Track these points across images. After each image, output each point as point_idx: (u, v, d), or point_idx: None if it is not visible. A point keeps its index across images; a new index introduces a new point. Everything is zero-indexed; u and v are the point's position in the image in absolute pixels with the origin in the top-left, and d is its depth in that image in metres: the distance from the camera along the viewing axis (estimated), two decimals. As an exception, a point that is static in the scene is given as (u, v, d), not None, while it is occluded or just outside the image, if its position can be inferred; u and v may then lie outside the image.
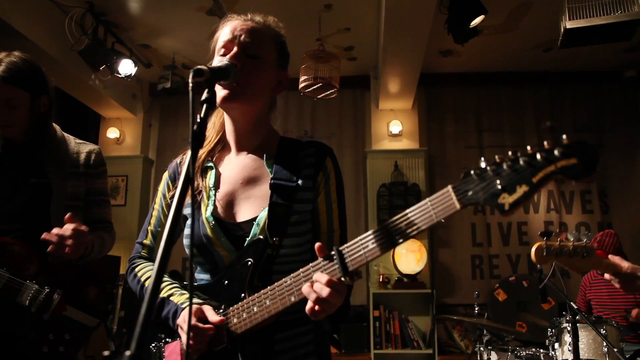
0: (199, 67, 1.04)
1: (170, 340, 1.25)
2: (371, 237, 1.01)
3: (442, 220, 0.94)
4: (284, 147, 1.36)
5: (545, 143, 0.82)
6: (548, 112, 5.68)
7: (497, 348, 3.30)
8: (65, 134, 2.00)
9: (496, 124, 5.69)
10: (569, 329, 2.63)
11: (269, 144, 1.37)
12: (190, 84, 0.97)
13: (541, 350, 3.04)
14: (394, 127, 5.43)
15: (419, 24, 3.98)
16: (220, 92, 1.22)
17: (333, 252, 1.04)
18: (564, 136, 0.81)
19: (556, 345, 2.84)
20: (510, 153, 0.86)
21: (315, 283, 1.03)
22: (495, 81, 5.69)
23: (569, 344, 2.57)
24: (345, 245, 1.03)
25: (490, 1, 3.98)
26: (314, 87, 4.31)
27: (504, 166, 0.85)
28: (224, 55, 1.27)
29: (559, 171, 0.80)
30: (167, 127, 5.80)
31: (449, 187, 0.92)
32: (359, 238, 1.02)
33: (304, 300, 1.05)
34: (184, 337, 1.15)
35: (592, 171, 0.79)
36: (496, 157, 0.87)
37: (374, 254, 1.00)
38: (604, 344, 2.61)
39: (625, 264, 1.71)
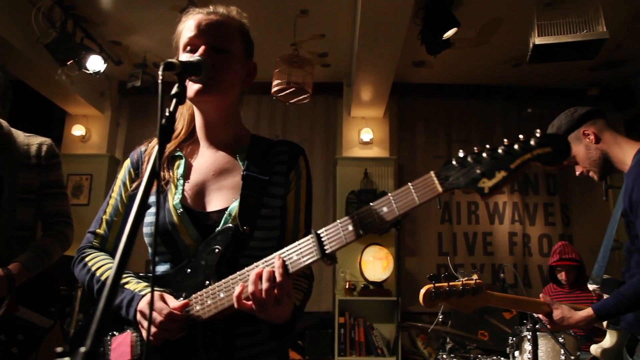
0: (170, 60, 1.03)
1: (117, 334, 1.19)
2: (350, 220, 1.00)
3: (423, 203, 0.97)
4: (256, 142, 1.36)
5: (520, 136, 0.91)
6: (516, 125, 5.82)
7: (459, 356, 3.34)
8: (13, 129, 1.95)
9: (465, 136, 5.80)
10: (529, 337, 2.67)
11: (241, 138, 1.36)
12: (160, 76, 0.95)
13: (502, 359, 3.08)
14: (365, 134, 5.46)
15: (394, 34, 4.03)
16: (193, 86, 1.21)
17: (311, 235, 1.03)
18: (538, 130, 0.90)
19: (516, 353, 2.88)
20: (487, 146, 0.94)
21: (265, 270, 1.03)
22: (465, 93, 5.80)
23: (529, 352, 2.61)
24: (324, 228, 1.03)
25: (463, 15, 4.07)
26: (287, 91, 4.30)
27: (484, 155, 0.93)
28: (191, 51, 1.24)
29: (535, 158, 0.89)
30: (136, 127, 5.69)
31: (431, 173, 0.96)
32: (338, 221, 1.02)
33: None
34: (144, 323, 1.11)
35: (564, 158, 0.88)
36: (475, 148, 0.94)
37: (353, 236, 1.00)
38: (562, 352, 2.67)
39: (557, 312, 1.77)
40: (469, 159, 0.93)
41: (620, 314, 1.74)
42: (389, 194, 0.98)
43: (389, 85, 4.97)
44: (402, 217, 0.99)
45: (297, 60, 4.30)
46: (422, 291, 1.57)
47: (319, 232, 1.03)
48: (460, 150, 0.96)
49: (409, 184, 0.97)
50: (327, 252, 1.01)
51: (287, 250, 1.06)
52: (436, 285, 1.59)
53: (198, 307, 1.12)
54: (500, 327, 3.68)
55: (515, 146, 0.90)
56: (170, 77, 1.04)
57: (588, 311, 1.76)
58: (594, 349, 1.96)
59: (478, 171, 0.91)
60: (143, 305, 1.12)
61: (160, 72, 0.97)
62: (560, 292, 3.70)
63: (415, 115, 5.81)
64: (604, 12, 3.29)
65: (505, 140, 0.92)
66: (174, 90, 1.00)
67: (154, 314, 1.08)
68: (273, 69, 4.31)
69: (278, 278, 1.02)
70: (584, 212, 5.63)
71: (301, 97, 4.39)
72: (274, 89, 4.30)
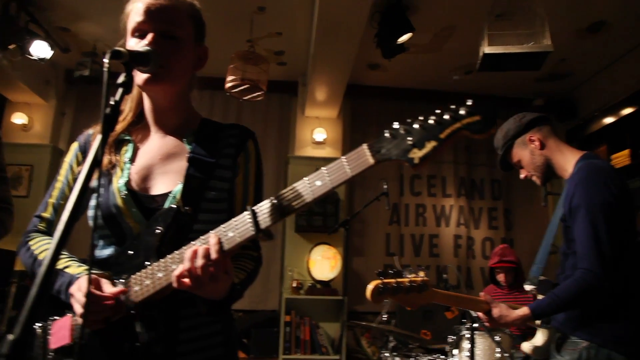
0: (117, 48, 1.01)
1: (59, 318, 1.17)
2: (285, 195, 1.01)
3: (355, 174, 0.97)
4: (205, 126, 1.35)
5: (451, 106, 0.92)
6: (498, 124, 5.98)
7: (401, 354, 3.41)
8: None
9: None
10: (467, 336, 2.77)
11: (190, 123, 1.34)
12: (106, 65, 0.93)
13: (442, 357, 3.18)
14: (318, 134, 5.49)
15: (350, 35, 4.07)
16: (141, 75, 1.19)
17: (247, 212, 1.03)
18: (469, 100, 0.91)
19: (455, 351, 2.98)
20: (419, 118, 0.94)
21: (201, 247, 1.03)
22: (418, 98, 5.91)
23: (467, 350, 2.71)
24: (259, 204, 1.03)
25: (419, 21, 4.16)
26: (241, 88, 4.27)
27: (415, 125, 0.93)
28: (139, 37, 1.21)
29: (465, 127, 0.91)
30: (82, 118, 5.49)
31: (364, 145, 0.96)
32: (273, 197, 1.02)
33: None
34: (77, 307, 1.09)
35: (492, 127, 0.90)
36: (408, 119, 0.94)
37: (291, 210, 1.00)
38: (498, 349, 2.78)
39: (495, 310, 1.85)
40: (401, 130, 0.94)
41: (554, 313, 1.82)
42: (322, 168, 0.99)
43: (343, 86, 5.01)
44: (334, 190, 0.99)
45: (252, 57, 4.27)
46: (370, 286, 1.59)
47: (254, 208, 1.03)
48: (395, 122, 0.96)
49: (342, 157, 0.97)
50: (261, 227, 1.01)
51: (223, 228, 1.05)
52: (384, 281, 1.61)
53: (137, 288, 1.10)
54: (442, 329, 3.78)
55: (446, 116, 0.92)
56: (119, 65, 1.02)
57: (524, 310, 1.83)
58: (526, 346, 2.05)
59: (409, 142, 0.93)
60: (73, 289, 1.10)
61: (106, 60, 0.94)
62: (500, 292, 3.85)
63: (368, 118, 5.88)
64: (550, 27, 3.44)
65: (439, 109, 0.93)
66: (121, 79, 0.98)
67: (80, 298, 1.07)
68: (228, 64, 4.27)
69: (213, 255, 1.02)
70: (525, 217, 5.87)
71: (255, 94, 4.37)
72: (227, 85, 4.25)
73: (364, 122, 5.87)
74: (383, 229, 5.64)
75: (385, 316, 3.89)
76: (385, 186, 3.75)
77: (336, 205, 5.25)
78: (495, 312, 1.86)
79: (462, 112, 0.91)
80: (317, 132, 5.51)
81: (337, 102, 5.36)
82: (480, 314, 1.92)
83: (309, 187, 0.99)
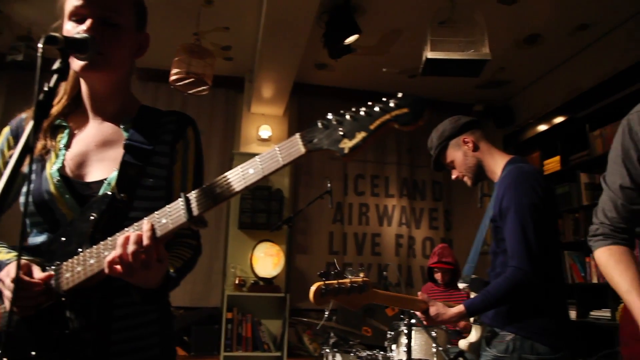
0: (53, 34, 0.97)
1: None
2: (219, 182, 1.01)
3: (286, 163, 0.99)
4: (143, 113, 1.32)
5: (383, 99, 0.95)
6: (409, 134, 6.14)
7: (342, 350, 3.47)
8: None
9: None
10: (405, 331, 2.85)
11: (128, 109, 1.32)
12: (40, 50, 0.91)
13: (381, 352, 3.25)
14: (264, 131, 5.48)
15: (297, 34, 4.09)
16: (78, 61, 1.15)
17: (181, 198, 1.03)
18: (400, 93, 0.94)
19: (394, 346, 3.06)
20: (352, 109, 0.98)
21: (133, 233, 1.02)
22: (364, 99, 5.84)
23: (405, 345, 2.79)
24: (194, 192, 1.03)
25: (366, 23, 4.23)
26: (186, 81, 4.19)
27: (347, 116, 0.96)
28: (77, 22, 1.18)
29: (394, 119, 0.93)
30: (14, 105, 5.13)
31: (297, 134, 0.99)
32: (208, 184, 1.02)
33: None
34: (6, 293, 1.06)
35: (420, 119, 0.92)
36: (341, 110, 0.97)
37: (222, 197, 1.01)
38: (434, 345, 2.88)
39: (432, 309, 1.92)
40: (333, 120, 0.97)
41: (488, 309, 1.90)
42: (256, 157, 1.00)
43: (290, 84, 5.03)
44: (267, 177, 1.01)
45: (198, 51, 4.20)
46: (313, 288, 1.61)
47: (188, 195, 1.03)
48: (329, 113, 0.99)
49: (275, 146, 1.00)
50: (194, 214, 1.01)
51: (157, 215, 1.05)
52: (326, 282, 1.64)
53: (68, 275, 1.08)
54: (380, 327, 3.87)
55: (376, 108, 0.95)
56: (54, 51, 0.99)
57: (459, 308, 1.91)
58: (462, 343, 2.14)
59: (340, 132, 0.95)
60: (2, 274, 1.07)
61: (40, 46, 0.92)
62: (437, 290, 3.98)
63: (314, 116, 5.77)
64: (490, 36, 3.59)
65: (370, 102, 0.97)
66: (56, 65, 0.95)
67: (9, 284, 1.04)
68: (173, 57, 4.18)
69: (145, 241, 1.01)
70: (463, 218, 6.09)
71: (200, 89, 4.31)
72: (172, 78, 4.17)
73: (310, 121, 5.73)
74: (326, 228, 5.70)
75: (327, 313, 3.94)
76: (329, 185, 3.80)
77: (280, 202, 5.26)
78: (432, 310, 1.93)
79: (391, 104, 0.94)
80: (263, 129, 5.49)
81: (284, 100, 5.36)
82: (418, 312, 1.98)
83: (242, 175, 1.00)
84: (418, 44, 3.87)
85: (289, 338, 5.09)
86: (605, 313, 4.41)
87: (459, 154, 2.17)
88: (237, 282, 5.04)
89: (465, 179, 2.20)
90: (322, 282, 1.62)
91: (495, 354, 1.87)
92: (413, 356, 2.87)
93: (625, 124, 1.36)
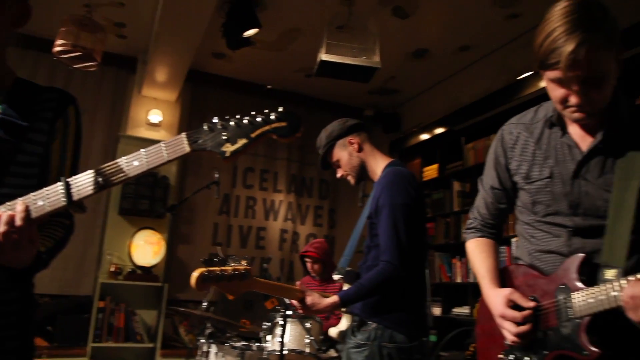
0: None
1: None
2: (103, 170, 1.02)
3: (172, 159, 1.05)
4: (19, 86, 1.26)
5: (265, 110, 1.07)
6: (301, 132, 6.26)
7: (218, 341, 3.47)
8: None
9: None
10: (280, 322, 2.94)
11: (3, 81, 1.25)
12: None
13: (256, 343, 3.30)
14: (154, 116, 5.30)
15: (196, 19, 4.01)
16: None
17: (60, 182, 1.02)
18: (280, 108, 1.07)
19: (268, 337, 3.13)
20: (237, 116, 1.08)
21: (5, 213, 0.99)
22: (259, 93, 6.03)
23: (279, 336, 2.87)
24: (75, 177, 1.02)
25: (266, 18, 4.26)
26: (72, 54, 3.93)
27: (231, 122, 1.06)
28: None
29: (272, 130, 1.06)
30: None
31: (183, 134, 1.06)
32: (90, 171, 1.03)
33: None
34: None
35: (296, 132, 1.08)
36: (226, 116, 1.06)
37: (103, 185, 1.02)
38: (307, 335, 2.99)
39: (308, 298, 2.01)
40: (218, 125, 1.06)
41: (360, 300, 2.03)
42: (142, 150, 1.03)
43: (185, 69, 4.91)
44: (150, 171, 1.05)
45: (88, 24, 3.96)
46: (195, 274, 1.62)
47: (69, 180, 1.02)
48: (215, 118, 1.08)
49: (162, 142, 1.05)
50: (73, 199, 1.01)
51: (33, 196, 1.02)
52: (208, 269, 1.65)
53: None
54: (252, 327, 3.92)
55: (258, 118, 1.06)
56: None
57: (334, 298, 2.02)
58: (333, 331, 2.26)
59: (224, 137, 1.04)
60: None
61: None
62: (313, 282, 4.11)
63: (208, 105, 5.82)
64: (382, 46, 3.80)
65: (253, 112, 1.07)
66: None
67: None
68: (59, 26, 3.90)
69: (18, 222, 0.98)
70: (347, 217, 6.34)
71: (87, 64, 4.06)
72: (56, 49, 3.88)
73: (203, 109, 5.79)
74: (212, 218, 5.65)
75: (206, 304, 3.91)
76: (216, 175, 3.77)
77: (165, 190, 5.12)
78: (308, 300, 2.02)
79: (272, 117, 1.06)
80: (153, 113, 5.30)
81: (177, 86, 5.23)
82: (294, 301, 2.06)
83: (126, 165, 1.03)
84: (315, 45, 3.98)
85: (165, 329, 4.97)
86: (465, 310, 4.86)
87: (344, 154, 2.29)
88: (112, 269, 4.82)
89: (349, 177, 2.33)
90: (204, 268, 1.64)
91: (358, 341, 2.01)
92: (287, 347, 2.96)
93: (500, 133, 1.53)
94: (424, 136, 5.98)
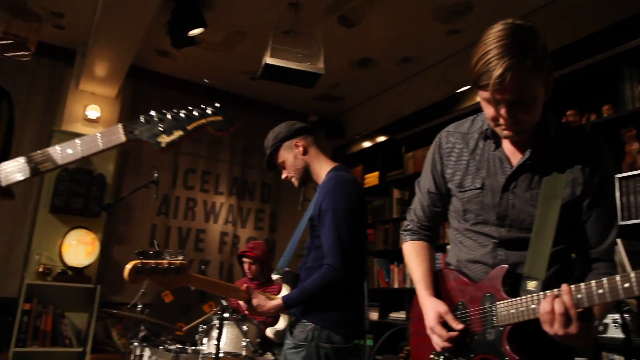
0: None
1: None
2: (34, 156, 1.01)
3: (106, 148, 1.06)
4: None
5: (201, 104, 1.11)
6: (244, 135, 6.24)
7: (151, 345, 3.39)
8: None
9: (196, 135, 5.92)
10: (217, 325, 2.91)
11: None
12: None
13: (191, 347, 3.25)
14: (92, 112, 5.11)
15: (140, 13, 3.92)
16: None
17: None
18: (217, 103, 1.13)
19: (205, 340, 3.09)
20: (174, 109, 1.11)
21: None
22: (203, 93, 5.96)
23: (215, 339, 2.84)
24: (4, 162, 1.01)
25: (213, 19, 4.23)
26: (3, 42, 3.73)
27: (168, 115, 1.09)
28: None
29: (209, 124, 1.10)
30: None
31: (119, 124, 1.07)
32: (20, 157, 1.01)
33: None
34: None
35: (231, 127, 1.12)
36: (163, 110, 1.08)
37: (35, 171, 1.01)
38: (244, 338, 2.98)
39: (255, 300, 2.03)
40: (155, 117, 1.08)
41: (303, 303, 2.05)
42: (76, 139, 1.03)
43: (126, 65, 4.78)
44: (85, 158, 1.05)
45: (22, 11, 3.78)
46: (128, 266, 1.57)
47: None
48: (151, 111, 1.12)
49: (97, 132, 1.06)
50: (2, 185, 1.00)
51: None
52: (143, 261, 1.61)
53: None
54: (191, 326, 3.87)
55: (195, 112, 1.10)
56: None
57: (278, 300, 2.04)
58: (269, 331, 2.26)
59: (160, 128, 1.07)
60: None
61: None
62: (251, 285, 4.09)
63: (151, 104, 5.68)
64: (328, 54, 3.85)
65: (190, 106, 1.11)
66: None
67: None
68: (-10, 12, 3.71)
69: None
70: (288, 221, 6.36)
71: (20, 53, 3.86)
72: (-15, 35, 3.69)
73: (144, 107, 5.51)
74: (150, 219, 5.51)
75: (140, 306, 3.81)
76: (155, 175, 3.69)
77: (102, 188, 4.94)
78: (255, 301, 2.04)
79: (208, 111, 1.10)
80: (91, 108, 5.12)
81: (118, 81, 5.08)
82: (240, 302, 2.06)
83: (59, 153, 1.02)
84: (261, 49, 3.99)
85: (96, 333, 4.79)
86: (402, 315, 4.98)
87: (290, 156, 2.32)
88: (40, 270, 4.59)
89: (293, 179, 2.36)
90: (138, 260, 1.60)
91: (296, 342, 2.03)
92: (223, 350, 2.94)
93: (438, 139, 1.59)
94: (366, 144, 6.09)
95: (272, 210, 6.35)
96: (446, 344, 1.36)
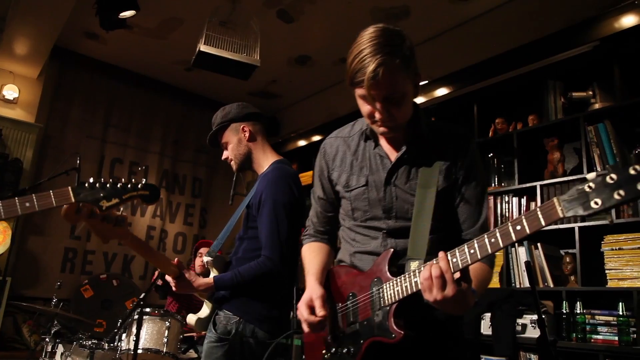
0: None
1: None
2: None
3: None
4: None
5: (133, 180, 1.46)
6: (176, 126, 6.05)
7: (65, 340, 3.19)
8: None
9: (124, 123, 5.69)
10: (137, 320, 2.78)
11: None
12: None
13: (111, 344, 3.09)
14: (9, 91, 4.78)
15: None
16: None
17: None
18: (144, 179, 1.46)
19: (124, 336, 2.95)
20: (111, 180, 1.43)
21: None
22: (134, 81, 5.73)
23: (134, 335, 2.71)
24: None
25: (147, 4, 4.05)
26: None
27: (107, 185, 1.42)
28: None
29: (139, 196, 1.45)
30: None
31: (69, 187, 1.35)
32: None
33: None
34: None
35: (154, 201, 1.48)
36: (108, 177, 1.19)
37: None
38: (165, 334, 2.87)
39: (186, 275, 1.99)
40: (97, 185, 1.41)
41: (234, 287, 2.01)
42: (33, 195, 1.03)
43: (49, 44, 4.51)
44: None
45: None
46: (66, 206, 1.50)
47: None
48: (91, 178, 1.42)
49: (51, 191, 1.37)
50: None
51: None
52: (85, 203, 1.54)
53: None
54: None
55: (129, 185, 1.44)
56: None
57: (209, 279, 2.00)
58: (191, 318, 2.17)
59: (101, 195, 1.41)
60: None
61: None
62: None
63: (75, 87, 5.39)
64: (266, 48, 3.80)
65: (129, 179, 1.45)
66: None
67: None
68: None
69: None
70: (218, 217, 6.24)
71: None
72: None
73: (69, 91, 5.35)
74: (71, 210, 5.21)
75: (55, 300, 3.60)
76: (78, 161, 3.49)
77: (17, 174, 4.62)
78: (186, 275, 1.99)
79: (139, 186, 1.45)
80: (9, 88, 4.78)
81: (40, 62, 4.77)
82: (169, 278, 1.99)
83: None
84: (197, 38, 3.87)
85: (4, 328, 4.47)
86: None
87: (234, 139, 2.27)
88: (-57, 261, 4.23)
89: (232, 163, 2.31)
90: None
91: (219, 335, 1.97)
92: (143, 345, 2.82)
93: (323, 147, 1.64)
94: (302, 142, 6.08)
95: (202, 206, 6.20)
96: (305, 327, 1.41)
